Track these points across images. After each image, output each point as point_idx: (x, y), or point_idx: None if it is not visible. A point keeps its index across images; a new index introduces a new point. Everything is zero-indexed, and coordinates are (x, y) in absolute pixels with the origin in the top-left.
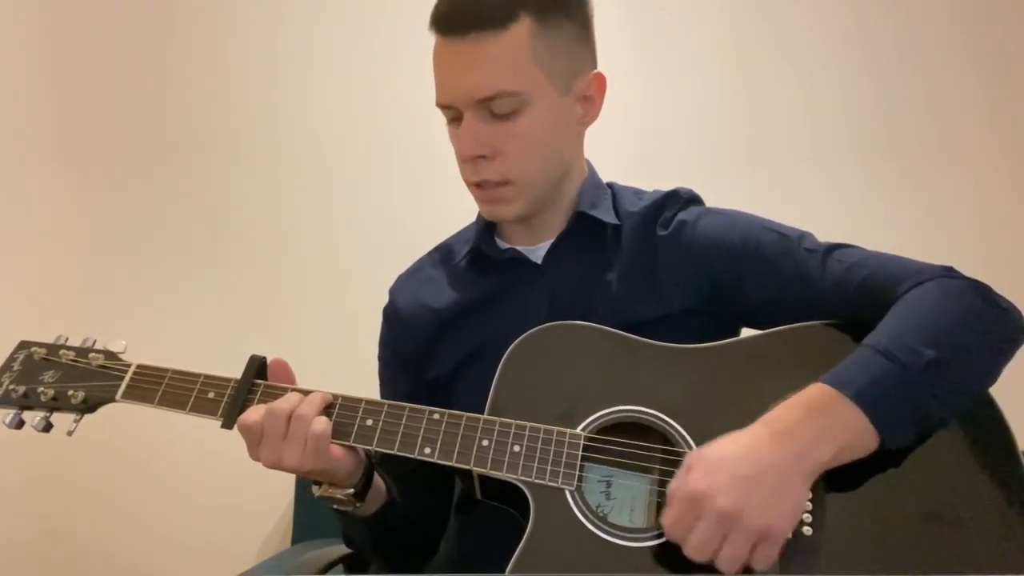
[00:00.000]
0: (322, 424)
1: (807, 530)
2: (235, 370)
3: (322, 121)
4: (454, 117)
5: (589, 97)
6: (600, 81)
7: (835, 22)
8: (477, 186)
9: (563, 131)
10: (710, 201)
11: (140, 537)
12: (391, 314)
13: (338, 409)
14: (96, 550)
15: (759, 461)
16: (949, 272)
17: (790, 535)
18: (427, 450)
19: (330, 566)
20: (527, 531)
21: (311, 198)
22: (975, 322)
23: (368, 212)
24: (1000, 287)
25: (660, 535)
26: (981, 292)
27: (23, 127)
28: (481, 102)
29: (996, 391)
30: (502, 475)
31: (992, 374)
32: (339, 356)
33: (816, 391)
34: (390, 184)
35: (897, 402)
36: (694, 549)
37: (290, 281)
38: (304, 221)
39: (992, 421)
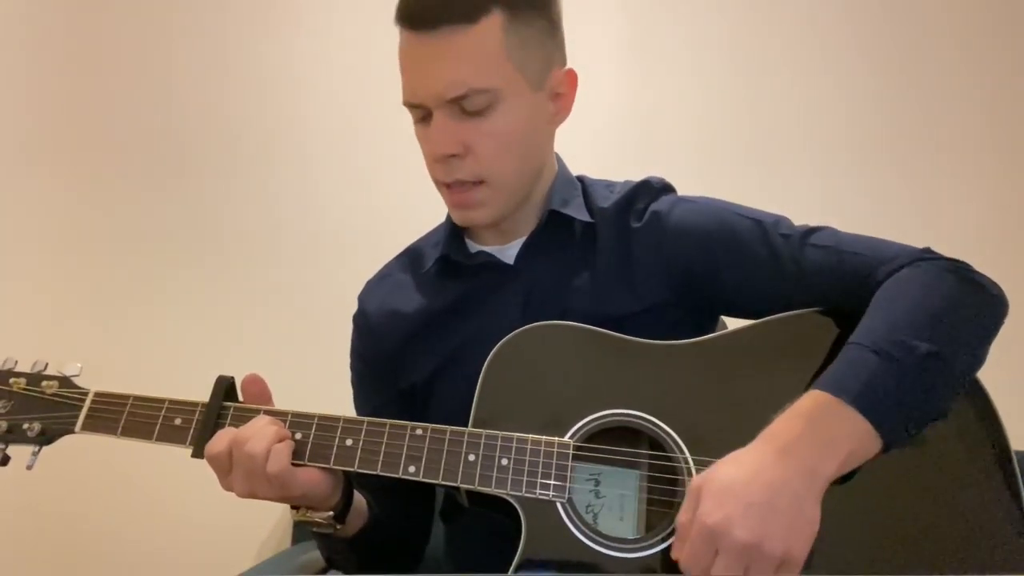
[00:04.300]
0: (277, 464)
1: None
2: (203, 392)
3: (301, 132)
4: (423, 116)
5: (561, 94)
6: (572, 77)
7: (834, 19)
8: (448, 187)
9: (536, 128)
10: None
11: (140, 537)
12: (361, 322)
13: (315, 430)
14: (95, 550)
15: (769, 485)
16: (927, 254)
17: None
18: (411, 469)
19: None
20: (520, 546)
21: (284, 205)
22: (961, 306)
23: (347, 219)
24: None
25: (652, 545)
26: (962, 273)
27: None
28: (452, 101)
29: (994, 391)
30: (491, 491)
31: (982, 357)
32: (315, 370)
33: (814, 399)
34: (372, 192)
35: (896, 402)
36: None
37: (263, 292)
38: (277, 228)
39: (986, 420)
